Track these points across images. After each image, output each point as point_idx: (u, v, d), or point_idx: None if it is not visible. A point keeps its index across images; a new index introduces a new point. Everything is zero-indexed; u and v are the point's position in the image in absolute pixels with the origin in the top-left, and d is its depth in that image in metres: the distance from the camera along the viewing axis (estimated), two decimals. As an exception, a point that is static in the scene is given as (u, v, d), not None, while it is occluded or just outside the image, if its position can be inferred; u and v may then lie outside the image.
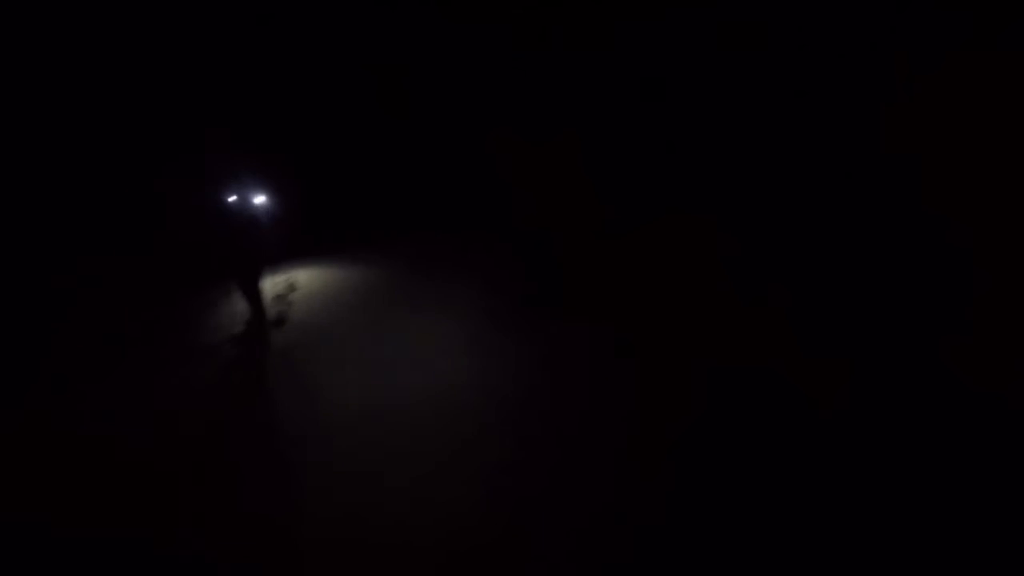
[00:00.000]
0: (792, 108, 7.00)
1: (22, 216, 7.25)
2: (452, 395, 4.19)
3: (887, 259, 5.29)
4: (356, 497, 3.25)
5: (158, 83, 7.47)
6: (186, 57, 7.49)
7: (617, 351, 4.59)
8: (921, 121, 5.45)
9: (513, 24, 8.15)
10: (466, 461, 3.43)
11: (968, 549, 2.54)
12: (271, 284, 6.68)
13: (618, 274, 5.94)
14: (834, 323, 4.88)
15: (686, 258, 6.84)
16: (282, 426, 4.16)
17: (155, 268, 7.21)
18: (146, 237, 7.40)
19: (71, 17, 7.03)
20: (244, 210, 5.60)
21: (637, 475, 3.14)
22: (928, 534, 2.65)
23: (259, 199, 5.72)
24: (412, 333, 5.23)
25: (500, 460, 3.42)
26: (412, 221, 8.17)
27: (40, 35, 7.02)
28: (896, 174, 5.61)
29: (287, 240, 7.13)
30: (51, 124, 7.34)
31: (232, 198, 5.52)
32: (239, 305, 6.06)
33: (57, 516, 3.39)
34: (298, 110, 8.21)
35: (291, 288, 6.72)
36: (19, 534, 3.22)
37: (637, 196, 8.46)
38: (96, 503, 3.47)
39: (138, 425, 4.30)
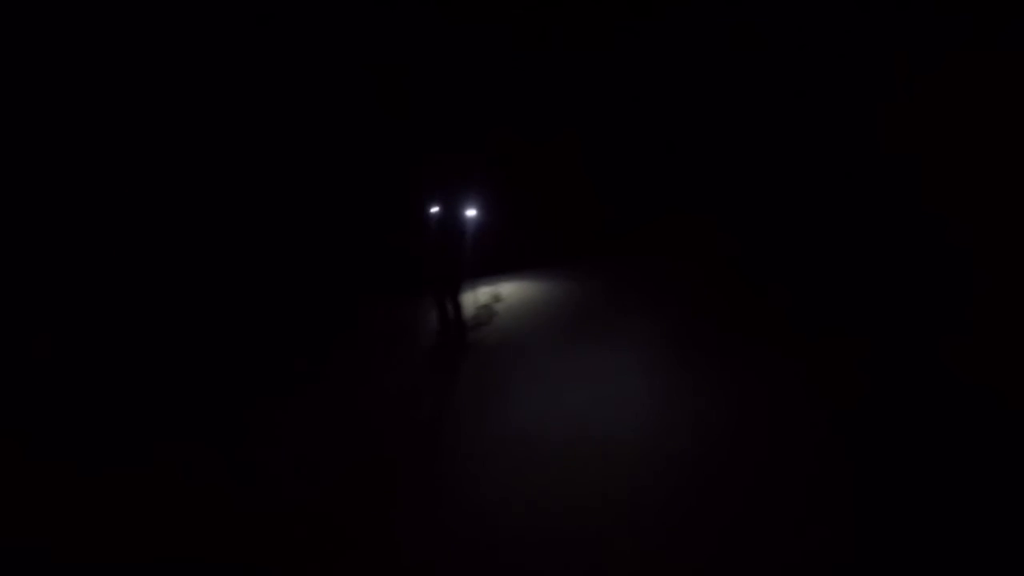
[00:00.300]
0: (792, 108, 7.01)
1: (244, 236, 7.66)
2: (626, 429, 3.92)
3: (887, 259, 5.29)
4: (504, 520, 3.18)
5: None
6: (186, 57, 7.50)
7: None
8: (921, 121, 5.46)
9: (513, 24, 8.15)
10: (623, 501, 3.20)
11: (968, 547, 2.55)
12: (478, 294, 6.86)
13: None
14: (834, 322, 4.89)
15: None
16: (456, 436, 4.18)
17: (355, 276, 7.54)
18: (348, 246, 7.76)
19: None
20: (448, 223, 5.73)
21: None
22: (929, 532, 2.66)
23: (465, 212, 5.93)
24: (600, 357, 5.03)
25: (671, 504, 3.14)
26: (615, 238, 8.09)
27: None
28: (896, 174, 5.61)
29: (493, 252, 7.23)
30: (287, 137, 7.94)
31: (435, 210, 5.66)
32: (433, 315, 6.07)
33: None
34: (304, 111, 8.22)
35: (496, 299, 6.91)
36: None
37: (637, 196, 8.47)
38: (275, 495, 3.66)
39: (324, 432, 4.46)
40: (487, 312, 6.56)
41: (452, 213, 5.85)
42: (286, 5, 7.75)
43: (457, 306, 5.90)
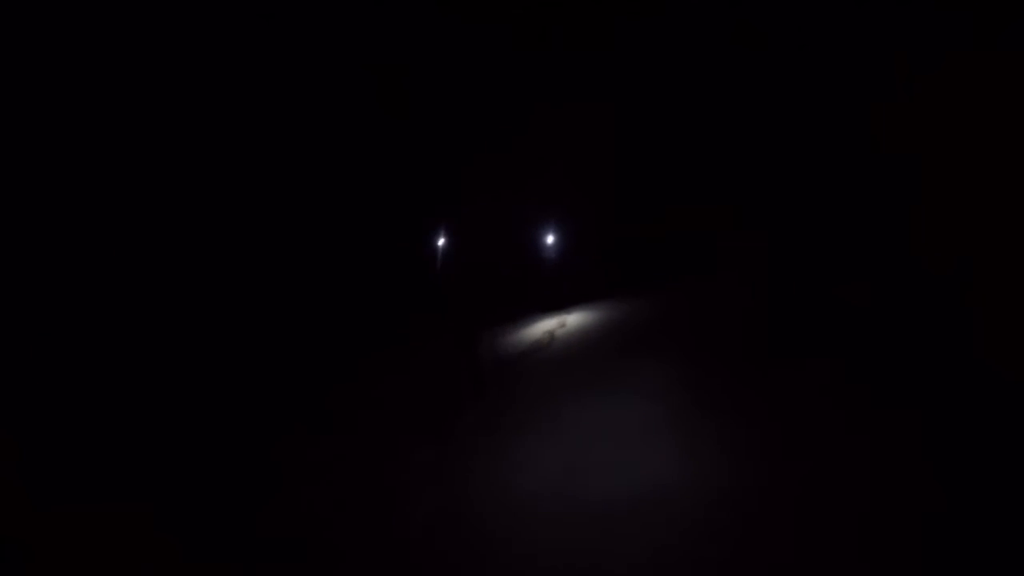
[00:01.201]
0: (792, 108, 7.01)
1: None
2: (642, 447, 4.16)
3: (886, 258, 5.29)
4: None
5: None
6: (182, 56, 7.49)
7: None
8: (921, 121, 5.44)
9: (513, 24, 8.15)
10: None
11: (968, 543, 2.54)
12: (547, 322, 7.73)
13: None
14: (835, 321, 4.89)
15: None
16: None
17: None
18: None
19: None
20: (468, 255, 5.78)
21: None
22: (934, 530, 2.65)
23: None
24: (639, 382, 5.30)
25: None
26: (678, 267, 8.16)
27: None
28: (896, 174, 5.60)
29: (569, 282, 8.12)
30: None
31: (441, 242, 5.70)
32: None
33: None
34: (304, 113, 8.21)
35: (561, 325, 7.63)
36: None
37: (638, 195, 8.47)
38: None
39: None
40: (548, 337, 7.27)
41: (481, 244, 5.87)
42: (286, 5, 7.75)
43: (480, 342, 6.06)
